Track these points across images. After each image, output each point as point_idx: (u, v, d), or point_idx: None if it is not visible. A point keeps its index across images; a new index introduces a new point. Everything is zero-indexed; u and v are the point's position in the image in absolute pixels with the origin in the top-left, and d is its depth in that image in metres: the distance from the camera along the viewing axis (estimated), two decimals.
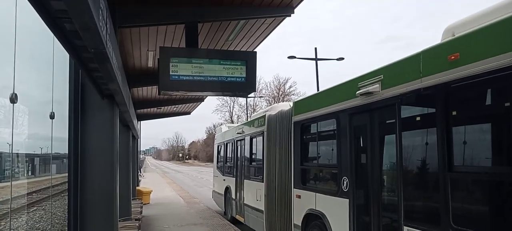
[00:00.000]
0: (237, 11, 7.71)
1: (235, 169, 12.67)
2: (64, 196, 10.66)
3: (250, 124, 11.29)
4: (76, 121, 5.42)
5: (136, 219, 10.67)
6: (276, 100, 59.77)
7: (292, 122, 7.82)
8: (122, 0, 6.90)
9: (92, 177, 5.42)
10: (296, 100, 8.09)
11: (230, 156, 13.67)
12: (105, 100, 5.60)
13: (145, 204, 16.88)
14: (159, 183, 32.36)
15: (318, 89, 22.15)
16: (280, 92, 59.85)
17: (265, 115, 9.81)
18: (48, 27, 2.80)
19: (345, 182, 5.87)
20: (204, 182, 36.41)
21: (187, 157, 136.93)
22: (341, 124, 6.10)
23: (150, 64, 11.75)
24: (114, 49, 4.01)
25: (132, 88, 14.15)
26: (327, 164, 6.97)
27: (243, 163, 11.83)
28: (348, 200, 5.77)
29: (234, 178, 12.64)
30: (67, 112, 5.56)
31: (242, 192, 11.68)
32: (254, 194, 10.42)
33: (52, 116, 5.99)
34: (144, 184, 27.38)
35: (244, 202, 11.39)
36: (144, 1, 7.10)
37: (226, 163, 14.33)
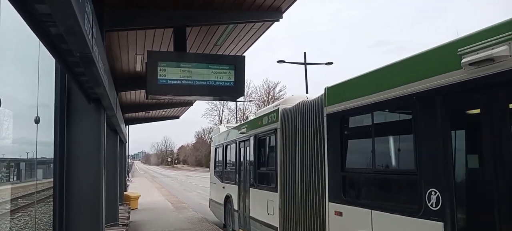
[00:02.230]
0: (226, 15, 7.72)
1: (237, 175, 10.89)
2: (50, 202, 10.50)
3: (256, 121, 9.54)
4: (62, 125, 5.35)
5: (123, 225, 10.55)
6: (265, 104, 59.84)
7: (324, 115, 6.08)
8: (109, 4, 6.86)
9: (78, 182, 5.34)
10: (329, 86, 6.08)
11: (232, 159, 11.90)
12: (92, 105, 5.54)
13: (133, 209, 16.71)
14: (148, 188, 32.08)
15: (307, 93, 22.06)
16: (270, 96, 59.97)
17: (277, 109, 8.13)
18: (33, 30, 2.76)
19: (433, 197, 4.11)
20: (193, 186, 36.21)
21: (176, 161, 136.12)
22: (424, 110, 4.32)
23: (138, 68, 11.68)
24: (101, 53, 3.97)
25: (120, 92, 14.03)
26: (395, 169, 5.03)
27: (248, 168, 10.05)
28: (441, 223, 3.95)
29: (237, 186, 10.86)
30: (53, 116, 5.49)
31: (247, 202, 9.88)
32: (263, 206, 8.58)
33: (37, 120, 5.91)
34: (132, 188, 27.11)
35: (250, 215, 9.58)
36: (132, 4, 7.06)
37: (226, 168, 12.51)
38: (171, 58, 6.79)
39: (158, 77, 6.53)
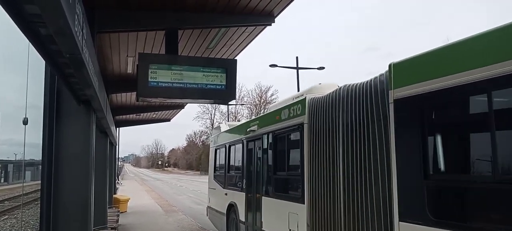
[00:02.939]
0: (218, 18, 7.73)
1: (245, 180, 9.29)
2: (38, 204, 10.36)
3: (272, 116, 7.92)
4: (50, 127, 5.30)
5: (112, 228, 10.46)
6: (257, 108, 59.95)
7: (390, 101, 4.38)
8: (101, 5, 6.82)
9: (66, 184, 5.29)
10: (396, 62, 4.44)
11: (237, 162, 10.33)
12: (82, 106, 5.50)
13: (122, 212, 16.57)
14: (138, 191, 31.85)
15: None
16: (262, 100, 60.07)
17: (303, 99, 6.56)
18: (22, 31, 2.74)
19: None
20: (183, 190, 36.03)
21: (166, 164, 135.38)
22: None
23: (129, 70, 11.63)
24: (91, 54, 3.95)
25: (111, 94, 13.94)
26: None
27: (260, 173, 8.47)
28: None
29: (244, 193, 9.24)
30: (42, 117, 5.44)
31: (258, 214, 8.28)
32: (283, 219, 6.97)
33: (25, 122, 5.85)
34: (122, 191, 26.89)
35: (263, 229, 8.00)
36: (124, 6, 7.03)
37: (229, 172, 10.87)
38: (163, 61, 6.77)
39: (149, 79, 6.51)
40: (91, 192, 5.56)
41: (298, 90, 26.40)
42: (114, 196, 18.12)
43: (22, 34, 2.92)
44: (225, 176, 11.07)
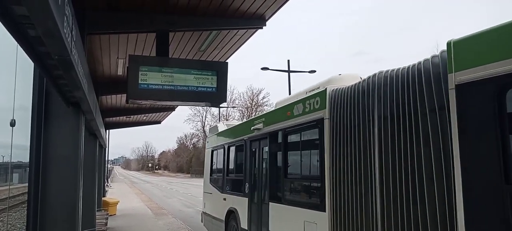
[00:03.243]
0: (210, 21, 7.73)
1: (248, 184, 8.39)
2: (24, 207, 10.22)
3: (282, 112, 7.05)
4: (39, 129, 5.24)
5: None
6: (249, 111, 59.97)
7: (450, 87, 3.58)
8: (91, 6, 6.78)
9: (54, 186, 5.23)
10: (456, 39, 3.64)
11: (238, 164, 9.40)
12: (71, 108, 5.45)
13: (111, 215, 16.43)
14: (127, 194, 31.59)
15: None
16: (253, 103, 60.13)
17: (324, 91, 5.72)
18: (10, 32, 2.71)
19: None
20: (173, 193, 35.83)
21: (156, 167, 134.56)
22: None
23: (119, 72, 11.56)
24: (80, 56, 3.92)
25: (101, 96, 13.85)
26: None
27: (266, 175, 7.63)
28: None
29: (247, 199, 8.34)
30: (30, 119, 5.38)
31: (264, 222, 7.45)
32: (297, 229, 6.12)
33: (12, 123, 5.78)
34: (111, 194, 26.65)
35: None
36: (114, 8, 7.00)
37: (228, 175, 9.93)
38: (153, 63, 6.74)
39: (139, 81, 6.47)
40: (79, 194, 5.51)
41: (289, 94, 26.47)
42: (103, 198, 17.95)
43: (10, 37, 2.90)
44: (224, 180, 10.10)
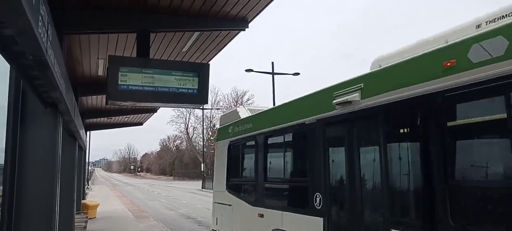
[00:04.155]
0: (191, 22, 7.71)
1: (319, 194, 5.50)
2: None
3: (429, 61, 4.02)
4: (14, 130, 5.11)
5: None
6: None
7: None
8: (70, 6, 6.68)
9: (30, 189, 5.11)
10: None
11: (290, 162, 6.83)
12: (48, 109, 5.34)
13: (91, 218, 16.14)
14: (108, 196, 31.11)
15: (274, 104, 21.91)
16: (237, 104, 60.06)
17: None
18: None
19: None
20: (155, 195, 35.47)
21: (139, 169, 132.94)
22: None
23: (100, 72, 11.40)
24: (57, 56, 3.85)
25: (81, 97, 13.61)
26: None
27: (382, 181, 4.51)
28: None
29: (320, 218, 5.43)
30: (5, 120, 5.24)
31: None
32: None
33: None
34: (92, 197, 26.21)
35: None
36: (94, 7, 6.91)
37: (268, 180, 7.07)
38: (133, 64, 6.69)
39: (119, 82, 6.40)
40: (56, 197, 5.40)
41: (273, 96, 26.68)
42: (82, 201, 17.64)
43: None
44: (259, 187, 7.24)
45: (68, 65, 9.77)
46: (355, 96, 4.87)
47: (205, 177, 43.92)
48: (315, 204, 5.55)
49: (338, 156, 5.41)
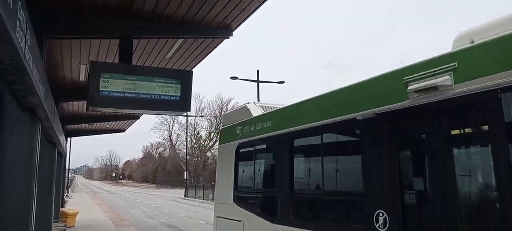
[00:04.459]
0: (175, 29, 7.69)
1: (385, 214, 4.02)
2: None
3: None
4: None
5: None
6: (218, 120, 59.61)
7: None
8: (51, 10, 6.59)
9: (5, 196, 4.98)
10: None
11: (333, 168, 5.34)
12: (26, 115, 5.23)
13: (70, 226, 15.79)
14: (88, 204, 30.49)
15: None
16: (222, 112, 59.83)
17: None
18: None
19: None
20: (137, 203, 34.94)
21: (120, 176, 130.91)
22: None
23: (82, 78, 11.25)
24: (36, 61, 3.79)
25: (62, 102, 13.38)
26: None
27: None
28: None
29: None
30: None
31: None
32: None
33: None
34: (71, 205, 25.66)
35: None
36: (76, 12, 6.84)
37: (295, 191, 5.65)
38: (115, 70, 6.62)
39: (100, 88, 6.33)
40: (33, 205, 5.27)
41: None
42: (61, 209, 17.24)
43: None
44: (283, 199, 5.73)
45: (49, 71, 9.62)
46: (445, 79, 3.52)
47: (188, 185, 43.56)
48: (377, 226, 4.08)
49: (414, 161, 4.22)
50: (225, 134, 7.77)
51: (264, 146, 6.68)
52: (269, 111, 6.67)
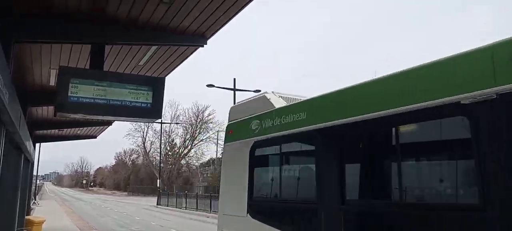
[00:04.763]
0: (149, 36, 7.64)
1: None
2: None
3: None
4: None
5: None
6: (193, 127, 59.03)
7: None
8: (19, 13, 6.45)
9: None
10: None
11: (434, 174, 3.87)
12: None
13: None
14: (56, 212, 29.54)
15: None
16: (198, 120, 59.35)
17: None
18: None
19: None
20: (107, 211, 34.13)
21: (91, 184, 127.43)
22: None
23: (52, 82, 10.98)
24: (1, 65, 3.72)
25: (31, 107, 13.00)
26: None
27: None
28: None
29: None
30: None
31: None
32: None
33: None
34: (38, 212, 24.80)
35: None
36: (46, 15, 6.70)
37: (348, 203, 4.18)
38: (85, 76, 6.52)
39: (69, 94, 6.21)
40: None
41: None
42: (27, 217, 16.64)
43: None
44: (324, 213, 4.39)
45: (17, 75, 9.36)
46: None
47: (161, 193, 42.90)
48: None
49: None
50: (235, 130, 6.45)
51: (295, 144, 5.33)
52: (308, 98, 5.16)
